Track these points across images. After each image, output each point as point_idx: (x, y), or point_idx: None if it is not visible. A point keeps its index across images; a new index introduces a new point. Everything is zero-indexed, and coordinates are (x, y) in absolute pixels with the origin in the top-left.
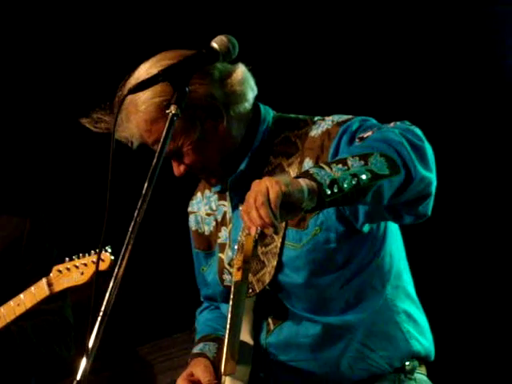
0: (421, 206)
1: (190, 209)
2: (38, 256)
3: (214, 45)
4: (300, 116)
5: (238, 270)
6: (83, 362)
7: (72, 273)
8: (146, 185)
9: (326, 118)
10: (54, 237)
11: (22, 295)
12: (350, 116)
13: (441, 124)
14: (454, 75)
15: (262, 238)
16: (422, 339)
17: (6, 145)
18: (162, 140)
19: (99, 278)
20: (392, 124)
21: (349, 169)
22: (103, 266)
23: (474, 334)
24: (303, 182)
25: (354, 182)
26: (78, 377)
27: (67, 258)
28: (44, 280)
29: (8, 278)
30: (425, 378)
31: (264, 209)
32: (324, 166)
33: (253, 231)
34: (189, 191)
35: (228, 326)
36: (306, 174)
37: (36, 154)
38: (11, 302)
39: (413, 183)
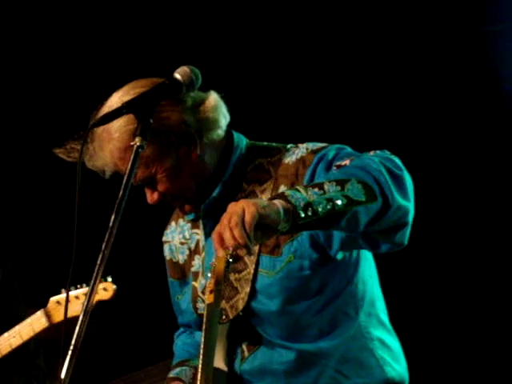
0: (397, 235)
1: (164, 238)
2: (8, 301)
3: (177, 76)
4: (273, 144)
5: (211, 292)
6: None
7: (72, 304)
8: (112, 217)
9: (300, 146)
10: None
11: (17, 327)
12: (324, 144)
13: (432, 137)
14: (448, 91)
15: (234, 260)
16: (396, 365)
17: None
18: (127, 172)
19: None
20: (371, 152)
21: (325, 193)
22: (107, 296)
23: (448, 359)
24: (279, 204)
25: (328, 207)
26: None
27: (63, 289)
28: (41, 312)
29: None
30: None
31: (238, 229)
32: (300, 189)
33: (220, 253)
34: (163, 221)
35: (201, 351)
36: (280, 196)
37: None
38: (6, 334)
39: (389, 211)
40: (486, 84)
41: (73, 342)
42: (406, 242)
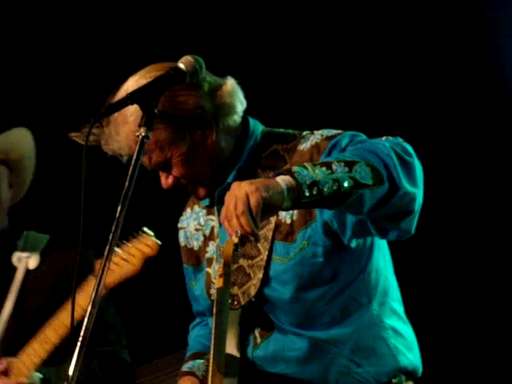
0: (403, 222)
1: (179, 225)
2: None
3: (181, 65)
4: (289, 130)
5: (220, 276)
6: None
7: (122, 266)
8: (119, 208)
9: (315, 132)
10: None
11: (76, 296)
12: (339, 131)
13: (435, 132)
14: (449, 83)
15: (242, 243)
16: (409, 354)
17: None
18: (133, 162)
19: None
20: (384, 138)
21: (332, 173)
22: (152, 252)
23: (462, 350)
24: (283, 183)
25: (334, 188)
26: None
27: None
28: (91, 277)
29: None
30: None
31: (244, 218)
32: (307, 167)
33: (234, 237)
34: (179, 207)
35: (213, 337)
36: (287, 172)
37: None
38: (68, 307)
39: (395, 197)
40: (485, 71)
41: (81, 333)
42: (412, 230)
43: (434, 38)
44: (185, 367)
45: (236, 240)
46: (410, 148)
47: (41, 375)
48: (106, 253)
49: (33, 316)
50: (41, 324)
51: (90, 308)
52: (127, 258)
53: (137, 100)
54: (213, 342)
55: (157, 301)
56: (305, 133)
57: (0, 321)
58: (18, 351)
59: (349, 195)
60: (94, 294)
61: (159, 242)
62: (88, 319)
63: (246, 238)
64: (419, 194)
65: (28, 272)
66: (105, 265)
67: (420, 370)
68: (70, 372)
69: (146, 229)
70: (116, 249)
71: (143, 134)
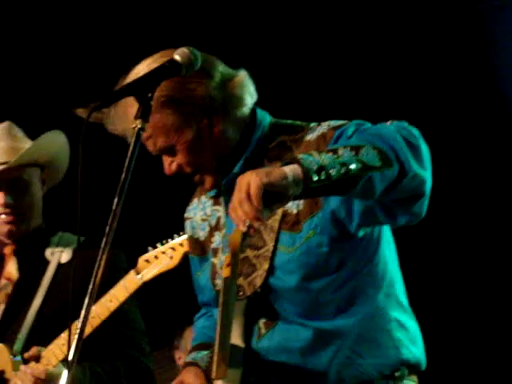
0: (415, 206)
1: (186, 215)
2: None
3: (177, 57)
4: (296, 122)
5: (227, 266)
6: (65, 376)
7: (160, 259)
8: (115, 200)
9: (322, 123)
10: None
11: (112, 290)
12: (346, 121)
13: (433, 125)
14: (445, 77)
15: (249, 232)
16: (413, 347)
17: None
18: (129, 154)
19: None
20: (389, 122)
21: (338, 157)
22: (185, 248)
23: (467, 344)
24: (287, 169)
25: (342, 171)
26: None
27: (150, 248)
28: (132, 272)
29: None
30: None
31: (246, 204)
32: (313, 153)
33: (241, 227)
34: (186, 198)
35: (218, 327)
36: (293, 160)
37: None
38: (103, 299)
39: (405, 179)
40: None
41: (79, 325)
42: (423, 213)
43: (433, 29)
44: (189, 358)
45: (244, 229)
46: (416, 131)
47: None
48: (102, 245)
49: (62, 308)
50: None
51: (87, 299)
52: (166, 251)
53: (133, 92)
54: (218, 332)
55: (153, 295)
56: (312, 124)
57: (31, 311)
58: (46, 342)
59: (358, 179)
60: (91, 285)
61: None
62: (85, 311)
63: (253, 228)
64: (428, 176)
65: (60, 265)
66: (101, 258)
67: (423, 363)
68: (70, 358)
69: (181, 233)
70: (157, 244)
71: (139, 126)
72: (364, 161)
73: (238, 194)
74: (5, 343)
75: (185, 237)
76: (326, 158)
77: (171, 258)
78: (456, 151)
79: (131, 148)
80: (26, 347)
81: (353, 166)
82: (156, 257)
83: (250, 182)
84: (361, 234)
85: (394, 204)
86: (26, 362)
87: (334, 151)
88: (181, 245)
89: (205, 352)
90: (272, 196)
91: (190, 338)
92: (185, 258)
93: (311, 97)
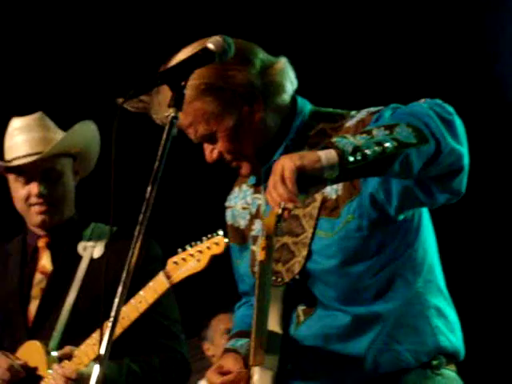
0: (454, 182)
1: (226, 203)
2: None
3: (210, 46)
4: (337, 110)
5: (263, 249)
6: (96, 369)
7: (188, 262)
8: (149, 188)
9: (362, 110)
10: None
11: (141, 292)
12: (384, 107)
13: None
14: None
15: (284, 215)
16: (451, 336)
17: None
18: (162, 142)
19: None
20: (422, 100)
21: (373, 137)
22: (218, 250)
23: (507, 335)
24: (321, 153)
25: (378, 150)
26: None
27: (180, 249)
28: (161, 273)
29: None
30: (453, 374)
31: (280, 187)
32: (347, 136)
33: (275, 209)
34: (227, 187)
35: (255, 311)
36: (328, 144)
37: None
38: (132, 301)
39: (442, 154)
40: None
41: (112, 313)
42: (463, 189)
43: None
44: (228, 345)
45: (279, 211)
46: (449, 107)
47: None
48: (136, 233)
49: (96, 303)
50: None
51: (120, 288)
52: (194, 254)
53: (166, 80)
54: (255, 316)
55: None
56: (353, 112)
57: (65, 308)
58: (81, 339)
59: (394, 157)
60: (125, 275)
61: (227, 241)
62: (119, 300)
63: (288, 210)
64: (465, 150)
65: (92, 261)
66: (135, 246)
67: (462, 353)
68: (102, 351)
69: (219, 231)
70: (186, 247)
71: (172, 115)
72: (399, 138)
73: (273, 178)
74: (41, 340)
75: (213, 240)
76: (360, 139)
77: (199, 260)
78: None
79: (164, 136)
80: (62, 344)
81: (388, 145)
82: (184, 259)
83: (283, 165)
84: (401, 217)
85: (432, 182)
86: (59, 360)
87: (368, 132)
88: (208, 248)
89: (244, 340)
90: (307, 179)
91: (216, 328)
92: (212, 260)
93: (351, 85)
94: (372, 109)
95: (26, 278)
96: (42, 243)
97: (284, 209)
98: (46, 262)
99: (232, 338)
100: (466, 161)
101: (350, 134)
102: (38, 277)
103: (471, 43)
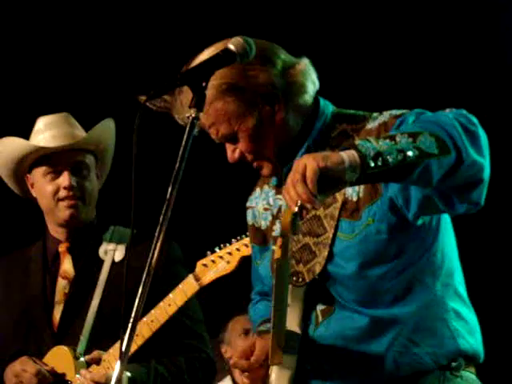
0: (473, 193)
1: (248, 204)
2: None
3: (231, 46)
4: (359, 112)
5: (279, 247)
6: (118, 366)
7: (217, 264)
8: (169, 189)
9: (384, 112)
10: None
11: (171, 295)
12: (407, 110)
13: None
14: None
15: (301, 213)
16: (470, 338)
17: None
18: (183, 143)
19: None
20: (447, 110)
21: (396, 144)
22: (248, 251)
23: None
24: (345, 154)
25: (399, 158)
26: (114, 381)
27: (209, 252)
28: (191, 276)
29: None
30: (473, 376)
31: (300, 186)
32: (370, 139)
33: (292, 207)
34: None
35: (273, 309)
36: (351, 146)
37: None
38: (161, 304)
39: (463, 166)
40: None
41: (133, 314)
42: (482, 201)
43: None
44: (261, 327)
45: (295, 209)
46: (473, 118)
47: (129, 373)
48: (156, 234)
49: (119, 309)
50: None
51: (140, 289)
52: (224, 256)
53: (187, 81)
54: (272, 315)
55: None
56: (375, 114)
57: (90, 312)
58: (108, 342)
59: (415, 165)
60: (145, 276)
61: None
62: (139, 300)
63: (305, 209)
64: (486, 163)
65: (114, 264)
66: (155, 247)
67: (481, 355)
68: (123, 348)
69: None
70: (215, 249)
71: (193, 115)
72: (421, 148)
73: (294, 175)
74: (68, 345)
75: (242, 242)
76: (383, 145)
77: (228, 262)
78: None
79: (185, 137)
80: (89, 348)
81: (410, 153)
82: (213, 261)
83: (306, 164)
84: (419, 222)
85: (452, 191)
86: (87, 364)
87: (392, 138)
88: (238, 249)
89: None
90: (327, 180)
91: (233, 329)
92: (242, 262)
93: (372, 87)
94: (394, 111)
95: (48, 283)
96: (62, 248)
97: (301, 207)
98: (67, 266)
99: (261, 324)
100: (486, 173)
101: (374, 138)
102: (60, 282)
103: (487, 45)
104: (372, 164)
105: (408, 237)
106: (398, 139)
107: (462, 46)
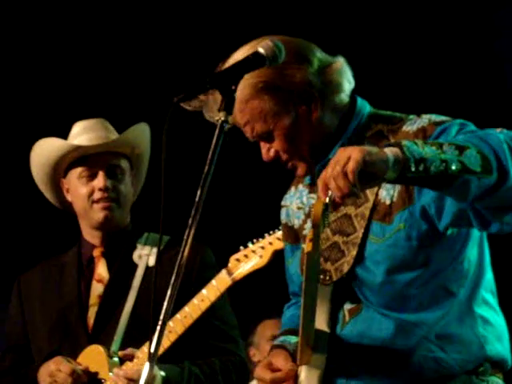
0: (508, 216)
1: (282, 202)
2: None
3: (261, 50)
4: (396, 113)
5: (310, 241)
6: (146, 368)
7: (250, 258)
8: (198, 192)
9: (423, 116)
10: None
11: (204, 291)
12: (447, 118)
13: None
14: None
15: (333, 204)
16: (498, 344)
17: None
18: (212, 147)
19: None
20: (499, 129)
21: (441, 153)
22: (281, 245)
23: None
24: (390, 152)
25: (441, 168)
26: (143, 382)
27: (242, 247)
28: (224, 271)
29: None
30: (500, 382)
31: (340, 179)
32: (418, 143)
33: (323, 198)
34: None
35: (302, 307)
36: (397, 144)
37: None
38: (194, 300)
39: (502, 189)
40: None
41: (161, 317)
42: None
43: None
44: (277, 341)
45: (327, 200)
46: None
47: (163, 373)
48: (185, 237)
49: (154, 310)
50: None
51: (169, 291)
52: (256, 250)
53: (216, 84)
54: (302, 313)
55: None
56: (411, 116)
57: (124, 313)
58: (142, 343)
59: (454, 178)
60: (174, 278)
61: None
62: (168, 302)
63: (339, 202)
64: None
65: (148, 269)
66: (184, 249)
67: (509, 362)
68: (152, 349)
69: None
70: (248, 244)
71: (222, 119)
72: (465, 163)
73: (335, 166)
74: (102, 344)
75: (275, 235)
76: (429, 151)
77: (261, 256)
78: None
79: (214, 140)
80: (123, 347)
81: (453, 166)
82: (246, 256)
83: (351, 156)
84: (449, 232)
85: (486, 211)
86: (121, 361)
87: (439, 146)
88: (270, 243)
89: (293, 337)
90: (367, 175)
91: (262, 334)
92: (275, 256)
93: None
94: (434, 117)
95: (83, 287)
96: (97, 253)
97: (333, 200)
98: (102, 270)
99: (281, 335)
100: None
101: (421, 142)
102: (95, 285)
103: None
104: (413, 168)
105: (437, 245)
106: (444, 148)
107: (463, 47)
